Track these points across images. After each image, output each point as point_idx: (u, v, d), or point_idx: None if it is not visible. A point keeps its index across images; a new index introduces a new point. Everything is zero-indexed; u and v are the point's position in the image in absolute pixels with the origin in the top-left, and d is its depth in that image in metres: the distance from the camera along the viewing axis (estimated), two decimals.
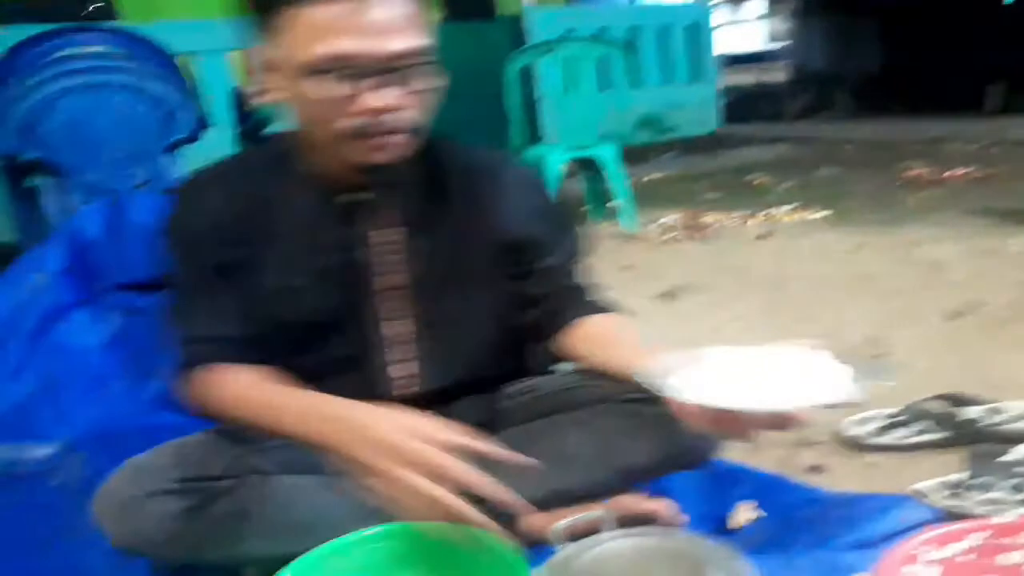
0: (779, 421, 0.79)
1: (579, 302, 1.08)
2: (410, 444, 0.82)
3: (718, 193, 4.10)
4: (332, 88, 0.88)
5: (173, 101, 2.48)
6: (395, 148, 0.94)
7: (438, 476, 0.81)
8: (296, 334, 1.04)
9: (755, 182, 4.32)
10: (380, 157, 0.94)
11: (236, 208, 1.00)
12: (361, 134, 0.91)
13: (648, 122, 5.85)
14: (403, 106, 0.91)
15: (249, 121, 3.53)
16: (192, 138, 2.59)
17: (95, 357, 1.77)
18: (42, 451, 1.51)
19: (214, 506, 0.95)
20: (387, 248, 1.04)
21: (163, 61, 2.52)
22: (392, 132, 0.92)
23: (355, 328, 1.04)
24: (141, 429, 1.45)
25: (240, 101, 3.87)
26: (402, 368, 1.06)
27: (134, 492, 0.94)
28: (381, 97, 0.89)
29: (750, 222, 3.35)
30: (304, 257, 1.02)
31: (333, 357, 1.05)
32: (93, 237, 1.93)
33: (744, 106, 7.58)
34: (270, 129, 3.19)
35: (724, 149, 5.71)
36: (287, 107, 0.96)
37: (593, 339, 1.05)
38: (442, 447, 0.82)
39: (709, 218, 3.43)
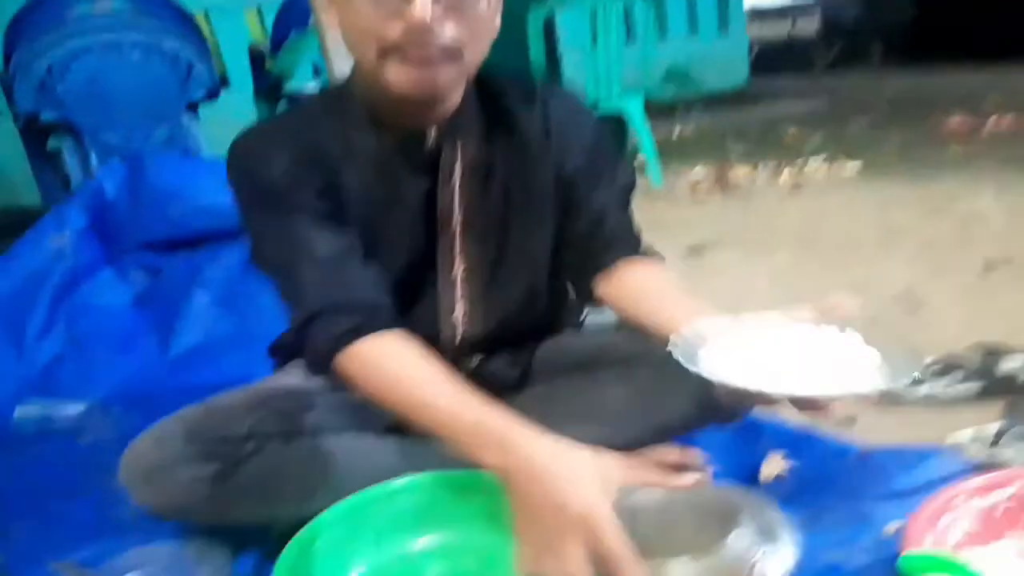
0: (804, 404, 0.78)
1: (622, 243, 1.05)
2: (607, 537, 0.72)
3: (747, 147, 4.00)
4: (377, 2, 0.84)
5: (190, 59, 2.45)
6: (435, 78, 0.88)
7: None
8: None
9: (785, 136, 4.21)
10: (416, 82, 0.88)
11: (297, 155, 0.96)
12: (402, 48, 0.86)
13: (674, 76, 5.70)
14: (449, 23, 0.85)
15: (267, 80, 3.49)
16: (211, 96, 2.57)
17: (121, 317, 1.78)
18: (71, 409, 1.52)
19: (241, 470, 0.94)
20: (446, 191, 1.02)
21: (179, 18, 2.49)
22: (436, 52, 0.86)
23: (415, 270, 1.04)
24: (168, 389, 1.46)
25: (258, 60, 3.83)
26: (453, 311, 1.06)
27: (160, 458, 0.94)
28: (425, 8, 0.82)
29: (780, 176, 3.27)
30: (366, 202, 1.00)
31: (402, 298, 1.03)
32: (114, 197, 1.93)
33: (773, 58, 7.37)
34: (288, 88, 3.15)
35: (753, 103, 5.57)
36: (340, 33, 0.92)
37: (633, 290, 1.02)
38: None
39: (738, 172, 3.35)
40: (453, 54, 0.88)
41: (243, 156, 0.98)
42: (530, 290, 1.10)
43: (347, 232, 0.96)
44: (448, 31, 0.86)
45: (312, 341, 0.91)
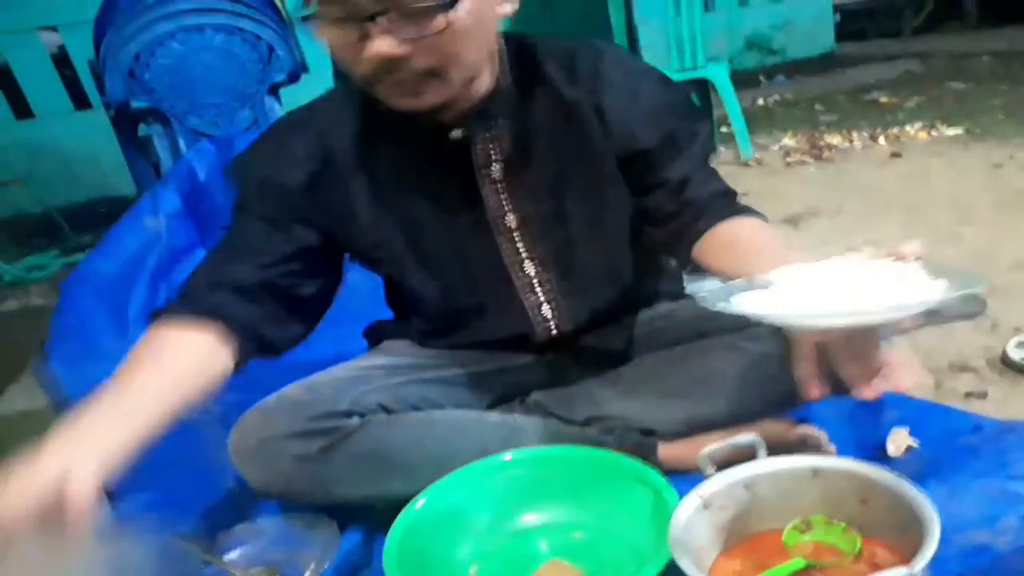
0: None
1: (713, 209, 0.95)
2: None
3: (837, 115, 3.82)
4: (340, 33, 0.79)
5: (271, 41, 2.47)
6: (425, 96, 0.83)
7: None
8: (411, 280, 1.00)
9: (879, 100, 4.00)
10: (413, 102, 0.84)
11: (324, 149, 0.94)
12: (377, 81, 0.81)
13: (756, 43, 5.50)
14: (417, 54, 0.79)
15: None
16: (292, 80, 2.58)
17: None
18: None
19: (344, 445, 0.93)
20: (499, 187, 0.96)
21: (259, 1, 2.50)
22: (415, 79, 0.81)
23: (487, 272, 1.00)
24: (266, 367, 1.46)
25: None
26: (540, 307, 1.02)
27: (266, 436, 0.94)
28: (378, 47, 0.77)
29: (877, 143, 3.10)
30: (412, 201, 0.96)
31: (468, 301, 1.01)
32: (205, 179, 1.96)
33: (859, 22, 7.02)
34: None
35: (840, 69, 5.32)
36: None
37: (726, 246, 0.92)
38: None
39: (833, 139, 3.20)
40: (433, 75, 0.81)
41: (256, 143, 0.99)
42: (613, 269, 1.04)
43: (304, 234, 0.94)
44: (419, 61, 0.80)
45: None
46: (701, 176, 0.96)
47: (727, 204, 0.96)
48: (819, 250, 0.78)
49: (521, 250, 0.99)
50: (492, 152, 0.94)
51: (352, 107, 0.95)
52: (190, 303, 0.90)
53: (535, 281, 1.01)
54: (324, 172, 0.94)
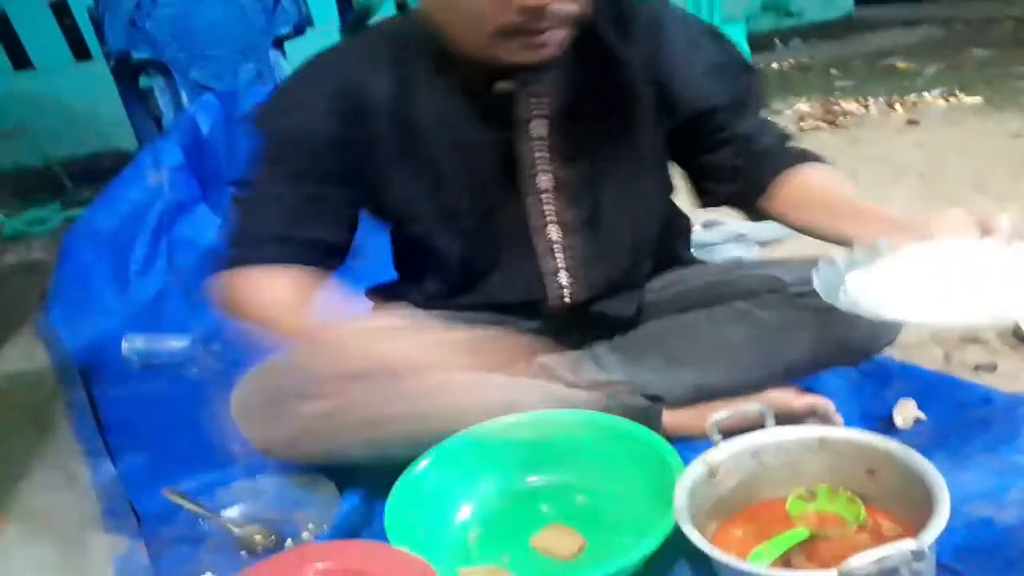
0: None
1: (779, 157, 0.96)
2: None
3: (854, 80, 3.75)
4: None
5: None
6: (551, 47, 0.84)
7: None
8: (433, 237, 0.98)
9: (897, 66, 3.92)
10: (533, 56, 0.84)
11: (354, 101, 0.91)
12: (519, 31, 0.81)
13: (773, 5, 5.38)
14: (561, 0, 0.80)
15: (352, 14, 3.45)
16: (297, 32, 2.53)
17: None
18: (178, 343, 1.54)
19: (347, 407, 0.91)
20: (537, 145, 0.94)
21: None
22: (551, 28, 0.82)
23: (509, 232, 0.98)
24: None
25: None
26: (556, 274, 1.00)
27: (268, 396, 0.93)
28: None
29: (893, 110, 3.04)
30: (444, 154, 0.93)
31: (485, 261, 0.99)
32: (208, 132, 1.92)
33: None
34: (373, 22, 3.10)
35: (858, 33, 5.20)
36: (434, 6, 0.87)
37: (806, 203, 0.92)
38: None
39: (846, 106, 3.13)
40: (565, 20, 0.83)
41: (280, 92, 0.97)
42: (636, 239, 1.03)
43: (334, 189, 0.92)
44: (561, 7, 0.81)
45: (220, 264, 0.92)
46: (762, 127, 0.98)
47: (789, 150, 0.97)
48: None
49: (547, 213, 0.97)
50: (536, 108, 0.92)
51: (385, 59, 0.92)
52: (255, 256, 0.90)
53: (556, 247, 0.99)
54: (355, 125, 0.91)
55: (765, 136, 0.97)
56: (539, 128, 0.93)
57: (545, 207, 0.97)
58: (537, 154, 0.94)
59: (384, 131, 0.92)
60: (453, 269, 1.00)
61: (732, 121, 0.95)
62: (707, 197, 1.02)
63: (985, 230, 0.72)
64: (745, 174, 0.96)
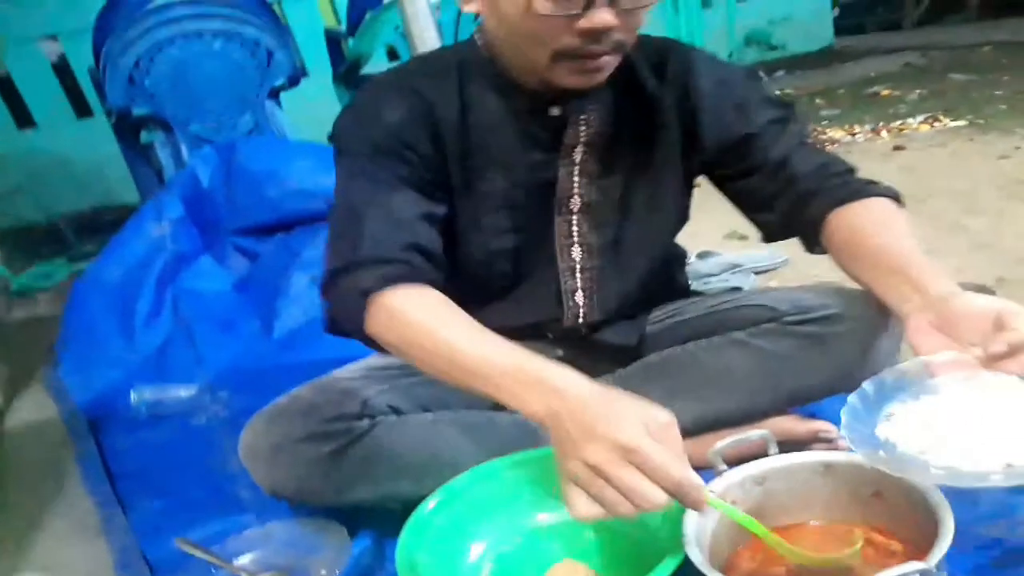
0: None
1: (828, 186, 0.94)
2: (648, 450, 0.64)
3: (839, 109, 3.81)
4: (560, 5, 0.82)
5: (270, 46, 2.47)
6: (604, 72, 0.88)
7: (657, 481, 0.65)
8: (467, 247, 0.99)
9: (881, 93, 3.99)
10: (587, 81, 0.88)
11: (425, 114, 0.93)
12: (576, 55, 0.85)
13: (755, 39, 5.48)
14: (620, 26, 0.84)
15: (344, 64, 3.51)
16: (292, 84, 2.59)
17: (223, 301, 1.81)
18: (184, 391, 1.55)
19: (355, 448, 0.93)
20: (576, 166, 0.98)
21: (257, 6, 2.51)
22: (605, 54, 0.86)
23: (534, 250, 1.00)
24: (274, 369, 1.47)
25: (333, 44, 3.85)
26: (575, 294, 1.02)
27: (277, 438, 0.93)
28: (602, 17, 0.82)
29: (880, 136, 3.09)
30: (495, 168, 0.97)
31: (508, 276, 1.01)
32: (208, 184, 1.96)
33: (858, 15, 7.01)
34: (365, 70, 3.15)
35: (840, 63, 5.30)
36: (496, 22, 0.90)
37: (851, 247, 0.89)
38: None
39: (835, 133, 3.19)
40: (617, 50, 0.87)
41: (357, 106, 0.96)
42: (651, 267, 1.06)
43: (429, 199, 0.92)
44: (619, 34, 0.85)
45: (340, 292, 0.85)
46: (803, 154, 0.97)
47: (843, 182, 0.94)
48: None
49: (574, 233, 1.01)
50: (581, 134, 0.97)
51: (450, 78, 0.96)
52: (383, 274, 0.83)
53: (577, 267, 1.02)
54: (429, 138, 0.94)
55: (805, 162, 0.95)
56: (579, 152, 0.98)
57: (573, 227, 1.00)
58: (574, 177, 0.98)
59: (448, 146, 0.95)
60: (473, 280, 1.00)
61: (763, 147, 0.97)
62: (762, 230, 1.03)
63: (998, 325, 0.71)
64: (784, 202, 0.96)
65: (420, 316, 0.81)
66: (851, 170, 0.96)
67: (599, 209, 1.00)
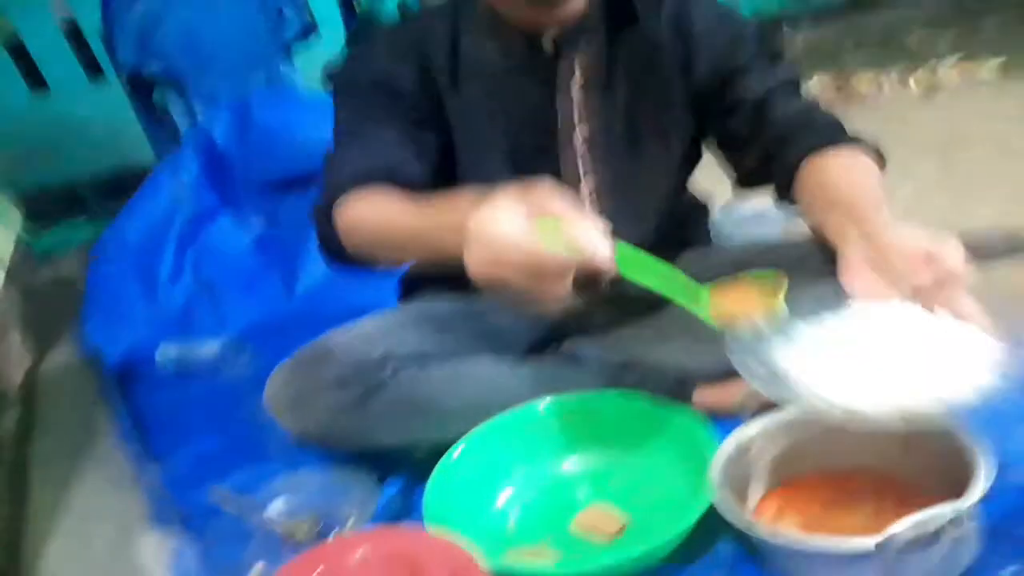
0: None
1: (803, 133, 0.93)
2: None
3: (867, 53, 3.70)
4: None
5: (279, 2, 2.43)
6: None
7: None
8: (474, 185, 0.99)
9: (909, 39, 3.87)
10: (553, 11, 0.90)
11: (423, 57, 0.97)
12: None
13: None
14: None
15: (355, 22, 3.46)
16: (303, 37, 2.55)
17: (244, 258, 1.81)
18: (209, 348, 1.57)
19: (380, 394, 0.93)
20: (575, 102, 0.98)
21: None
22: None
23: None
24: (297, 324, 1.47)
25: (346, 1, 3.79)
26: None
27: (302, 385, 0.94)
28: None
29: (909, 82, 3.01)
30: (492, 108, 0.98)
31: None
32: (223, 141, 1.94)
33: None
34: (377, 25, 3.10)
35: (867, 10, 5.14)
36: None
37: (816, 193, 0.88)
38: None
39: (861, 81, 3.10)
40: None
41: (353, 51, 1.01)
42: (664, 204, 1.05)
43: (417, 133, 0.96)
44: None
45: (316, 219, 0.92)
46: (784, 99, 0.96)
47: (819, 130, 0.93)
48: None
49: (581, 169, 1.00)
50: (577, 68, 0.97)
51: (444, 24, 0.98)
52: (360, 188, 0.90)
53: (587, 201, 1.01)
54: (425, 78, 0.97)
55: (784, 107, 0.95)
56: (576, 86, 0.97)
57: (579, 161, 1.00)
58: (575, 111, 0.98)
59: (445, 91, 0.97)
60: None
61: (744, 86, 0.97)
62: (737, 173, 1.03)
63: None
64: (759, 146, 0.96)
65: (376, 214, 0.86)
66: (834, 121, 0.95)
67: (605, 142, 0.99)
